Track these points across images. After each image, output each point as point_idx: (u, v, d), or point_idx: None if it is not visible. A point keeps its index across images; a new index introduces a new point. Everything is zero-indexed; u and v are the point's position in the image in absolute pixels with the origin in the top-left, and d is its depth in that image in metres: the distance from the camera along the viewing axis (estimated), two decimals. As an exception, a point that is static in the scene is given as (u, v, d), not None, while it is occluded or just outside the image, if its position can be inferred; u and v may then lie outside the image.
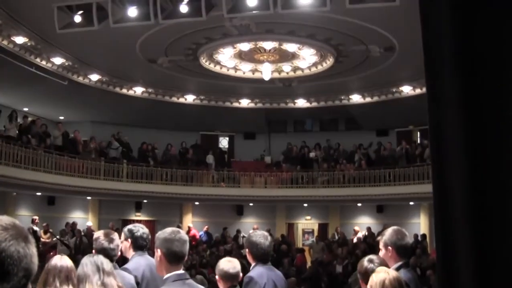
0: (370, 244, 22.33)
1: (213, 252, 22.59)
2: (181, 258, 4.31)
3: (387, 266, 4.78)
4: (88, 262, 4.67)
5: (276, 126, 30.44)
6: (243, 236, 25.65)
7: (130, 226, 6.04)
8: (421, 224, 26.40)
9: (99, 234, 5.78)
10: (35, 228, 22.25)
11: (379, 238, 5.51)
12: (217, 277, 5.40)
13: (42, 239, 22.27)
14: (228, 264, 5.33)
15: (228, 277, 5.29)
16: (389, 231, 5.38)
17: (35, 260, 1.97)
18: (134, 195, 25.93)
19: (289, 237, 27.41)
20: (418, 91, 22.90)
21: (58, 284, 4.65)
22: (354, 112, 26.98)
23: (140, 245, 5.90)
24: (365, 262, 4.87)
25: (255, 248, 6.04)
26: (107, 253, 5.38)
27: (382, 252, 5.31)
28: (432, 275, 15.41)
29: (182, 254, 4.29)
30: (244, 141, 30.67)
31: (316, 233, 28.43)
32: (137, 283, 5.44)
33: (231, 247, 23.95)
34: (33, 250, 1.96)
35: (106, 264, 4.71)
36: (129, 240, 5.88)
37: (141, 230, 5.93)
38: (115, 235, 5.79)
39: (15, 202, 24.76)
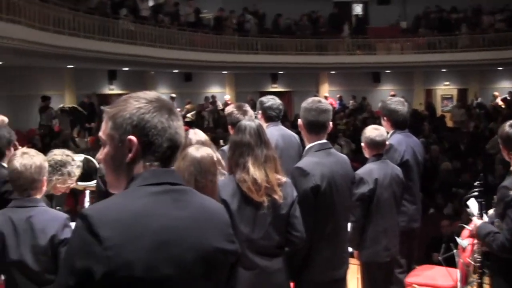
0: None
1: (348, 121, 22.53)
2: (320, 128, 4.27)
3: None
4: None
5: (412, -11, 29.31)
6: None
7: (262, 98, 5.99)
8: None
9: (231, 108, 5.78)
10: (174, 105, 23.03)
11: None
12: (362, 144, 5.37)
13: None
14: (375, 131, 5.27)
15: (375, 144, 5.26)
16: None
17: (181, 131, 2.05)
18: (269, 67, 26.13)
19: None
20: None
21: None
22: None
23: (269, 115, 5.82)
24: (507, 127, 4.68)
25: (394, 115, 5.96)
26: None
27: None
28: None
29: (319, 124, 4.24)
30: (378, 6, 29.68)
31: (455, 99, 27.79)
32: None
33: (369, 115, 23.79)
34: (178, 122, 2.04)
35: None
36: (260, 111, 5.86)
37: (271, 101, 5.85)
38: (247, 107, 5.80)
39: (154, 80, 25.65)
